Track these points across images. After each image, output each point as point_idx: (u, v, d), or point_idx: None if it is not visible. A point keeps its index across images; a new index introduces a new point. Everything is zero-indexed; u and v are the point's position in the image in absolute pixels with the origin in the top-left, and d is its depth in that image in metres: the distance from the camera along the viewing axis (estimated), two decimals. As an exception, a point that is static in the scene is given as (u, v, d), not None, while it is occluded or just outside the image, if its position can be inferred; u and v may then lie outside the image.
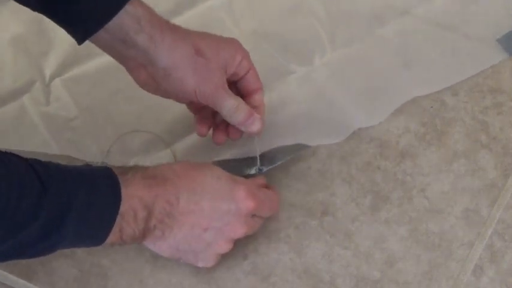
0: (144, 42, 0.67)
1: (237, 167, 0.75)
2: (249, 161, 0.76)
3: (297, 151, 0.77)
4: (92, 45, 0.70)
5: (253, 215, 0.69)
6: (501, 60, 0.82)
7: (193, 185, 0.66)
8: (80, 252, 0.74)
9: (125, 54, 0.69)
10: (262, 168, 0.75)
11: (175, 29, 0.70)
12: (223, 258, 0.72)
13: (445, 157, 0.77)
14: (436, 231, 0.72)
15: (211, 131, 0.77)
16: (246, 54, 0.73)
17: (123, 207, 0.61)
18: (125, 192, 0.61)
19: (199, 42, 0.70)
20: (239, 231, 0.67)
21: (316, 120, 0.80)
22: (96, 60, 0.85)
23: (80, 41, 0.68)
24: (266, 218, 0.72)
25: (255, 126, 0.71)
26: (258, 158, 0.75)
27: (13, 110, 0.85)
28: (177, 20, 0.86)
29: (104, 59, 0.78)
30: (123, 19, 0.67)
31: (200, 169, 0.67)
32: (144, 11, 0.68)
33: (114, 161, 0.79)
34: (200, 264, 0.69)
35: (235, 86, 0.74)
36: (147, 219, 0.63)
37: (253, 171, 0.75)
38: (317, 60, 0.85)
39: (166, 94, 0.72)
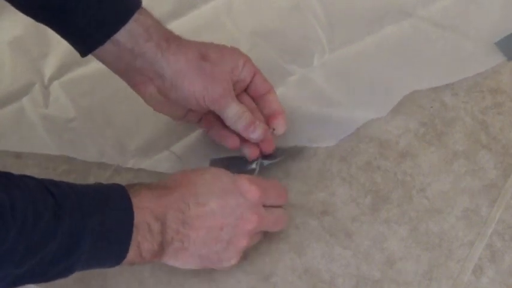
0: (152, 50, 0.68)
1: (237, 164, 0.75)
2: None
3: (297, 149, 0.78)
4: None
5: (264, 206, 0.69)
6: (501, 61, 0.82)
7: (197, 189, 0.66)
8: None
9: (132, 65, 0.70)
10: (264, 162, 0.75)
11: (180, 38, 0.71)
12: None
13: (445, 157, 0.76)
14: (436, 231, 0.72)
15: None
16: (247, 59, 0.74)
17: (137, 219, 0.61)
18: (135, 203, 0.61)
19: (203, 48, 0.71)
20: (252, 221, 0.67)
21: (316, 121, 0.80)
22: (95, 62, 0.84)
23: (87, 51, 0.69)
24: (280, 206, 0.71)
25: (255, 134, 0.72)
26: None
27: (12, 111, 0.85)
28: (177, 22, 0.87)
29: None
30: (134, 27, 0.68)
31: (199, 173, 0.68)
32: (152, 20, 0.69)
33: (112, 162, 0.80)
34: (225, 265, 0.69)
35: (247, 93, 0.75)
36: (162, 231, 0.63)
37: (253, 165, 0.75)
38: (316, 61, 0.85)
39: (172, 108, 0.73)
